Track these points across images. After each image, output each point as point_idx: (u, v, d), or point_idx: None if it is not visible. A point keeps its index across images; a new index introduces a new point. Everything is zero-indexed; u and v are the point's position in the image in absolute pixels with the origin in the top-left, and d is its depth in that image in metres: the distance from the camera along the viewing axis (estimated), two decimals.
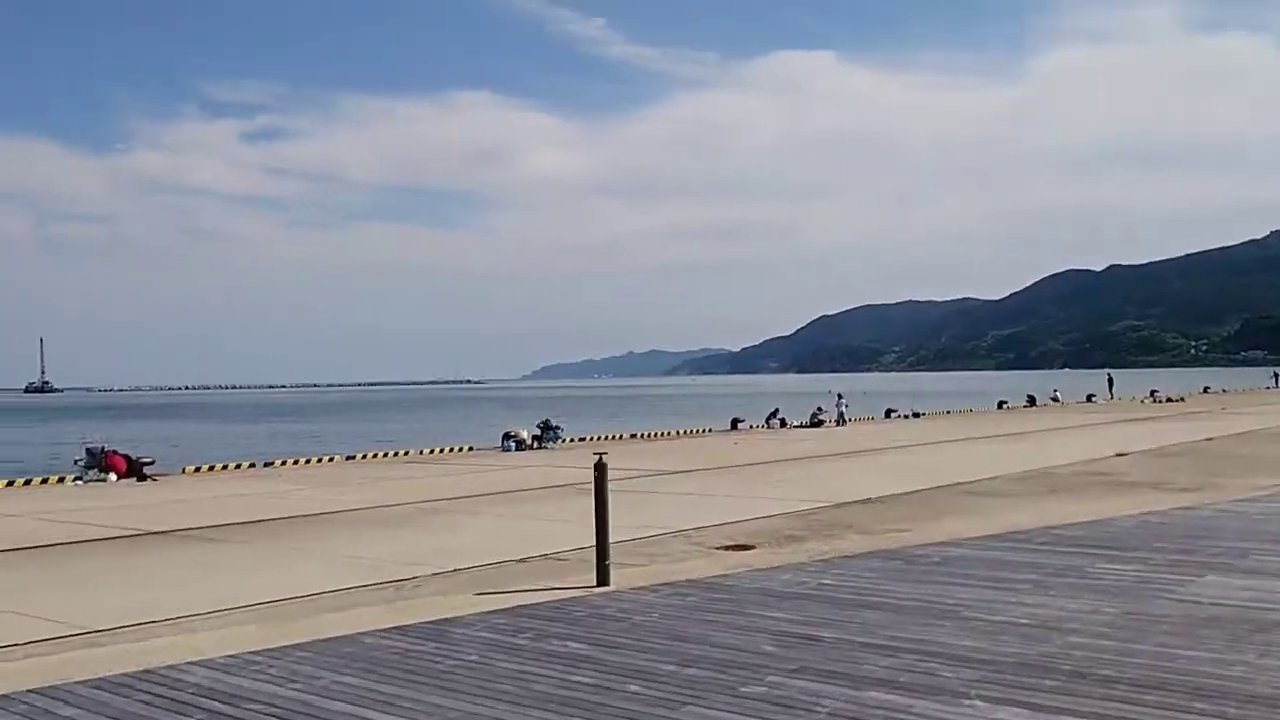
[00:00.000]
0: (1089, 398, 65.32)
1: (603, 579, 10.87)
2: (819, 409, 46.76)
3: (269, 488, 23.69)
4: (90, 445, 26.64)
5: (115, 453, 26.79)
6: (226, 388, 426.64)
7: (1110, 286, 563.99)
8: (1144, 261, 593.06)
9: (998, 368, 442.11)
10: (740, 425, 44.99)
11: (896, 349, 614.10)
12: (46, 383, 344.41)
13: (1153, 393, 65.34)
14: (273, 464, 30.41)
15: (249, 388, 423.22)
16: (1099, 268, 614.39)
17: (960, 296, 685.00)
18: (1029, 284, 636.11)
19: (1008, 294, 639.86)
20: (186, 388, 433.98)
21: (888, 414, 52.36)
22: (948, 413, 55.57)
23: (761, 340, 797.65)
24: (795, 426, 45.62)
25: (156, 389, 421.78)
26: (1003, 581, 10.41)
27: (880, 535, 14.38)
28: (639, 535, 14.79)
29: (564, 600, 10.20)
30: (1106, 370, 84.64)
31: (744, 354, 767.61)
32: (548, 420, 35.33)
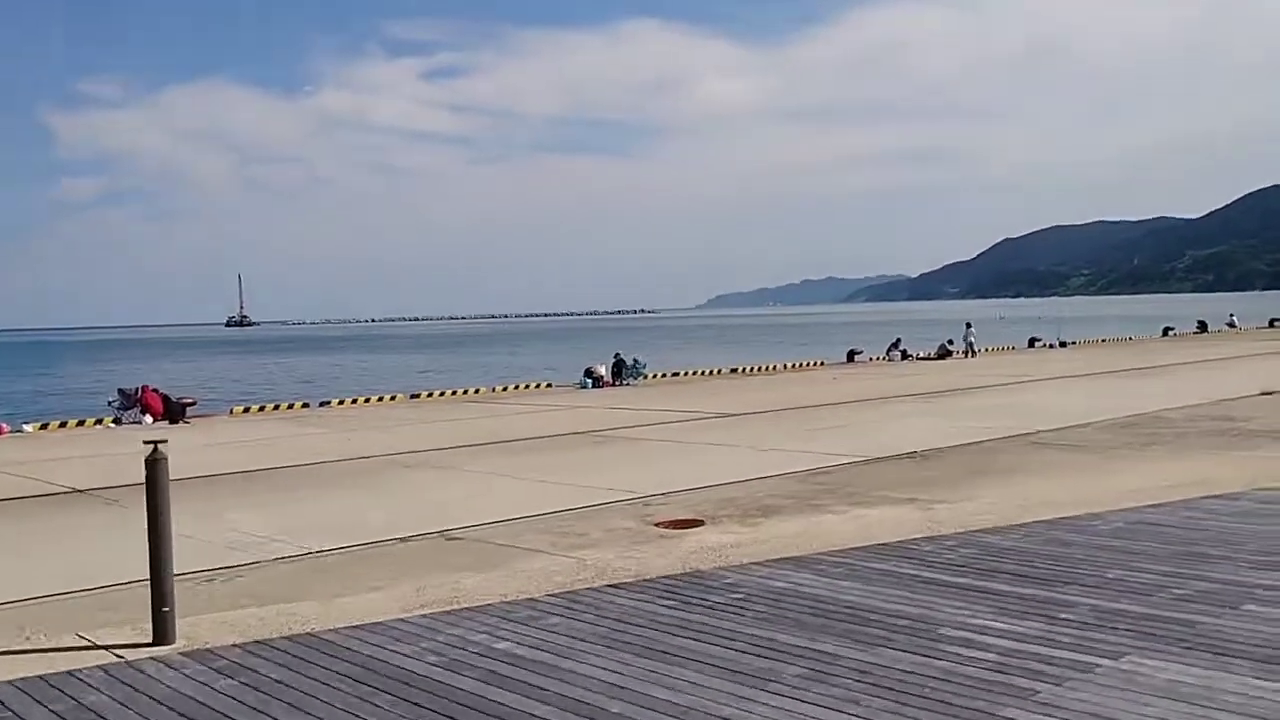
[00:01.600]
0: (1272, 323, 58.84)
1: (160, 635, 6.75)
2: (949, 340, 42.88)
3: (291, 430, 22.19)
4: (124, 387, 25.55)
5: (155, 391, 25.68)
6: (410, 319, 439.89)
7: None
8: None
9: (1195, 290, 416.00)
10: (858, 357, 41.59)
11: (1085, 272, 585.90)
12: (245, 317, 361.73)
13: None
14: (329, 403, 29.02)
15: (431, 319, 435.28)
16: None
17: (1155, 216, 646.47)
18: (1229, 201, 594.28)
19: (1207, 212, 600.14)
20: (372, 320, 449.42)
21: (1031, 343, 47.92)
22: (1102, 341, 50.64)
23: (941, 265, 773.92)
24: (919, 358, 41.93)
25: (344, 321, 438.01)
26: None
27: (861, 508, 11.49)
28: (589, 502, 12.48)
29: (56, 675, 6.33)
30: None
31: (922, 279, 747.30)
32: (619, 355, 32.88)
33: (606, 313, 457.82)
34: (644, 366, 33.09)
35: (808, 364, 40.44)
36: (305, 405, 28.77)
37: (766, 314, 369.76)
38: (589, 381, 31.69)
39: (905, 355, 42.05)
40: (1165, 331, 54.95)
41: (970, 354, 41.92)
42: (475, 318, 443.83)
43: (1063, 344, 46.87)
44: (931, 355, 42.30)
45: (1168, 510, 10.43)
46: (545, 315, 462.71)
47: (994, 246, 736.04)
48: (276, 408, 28.21)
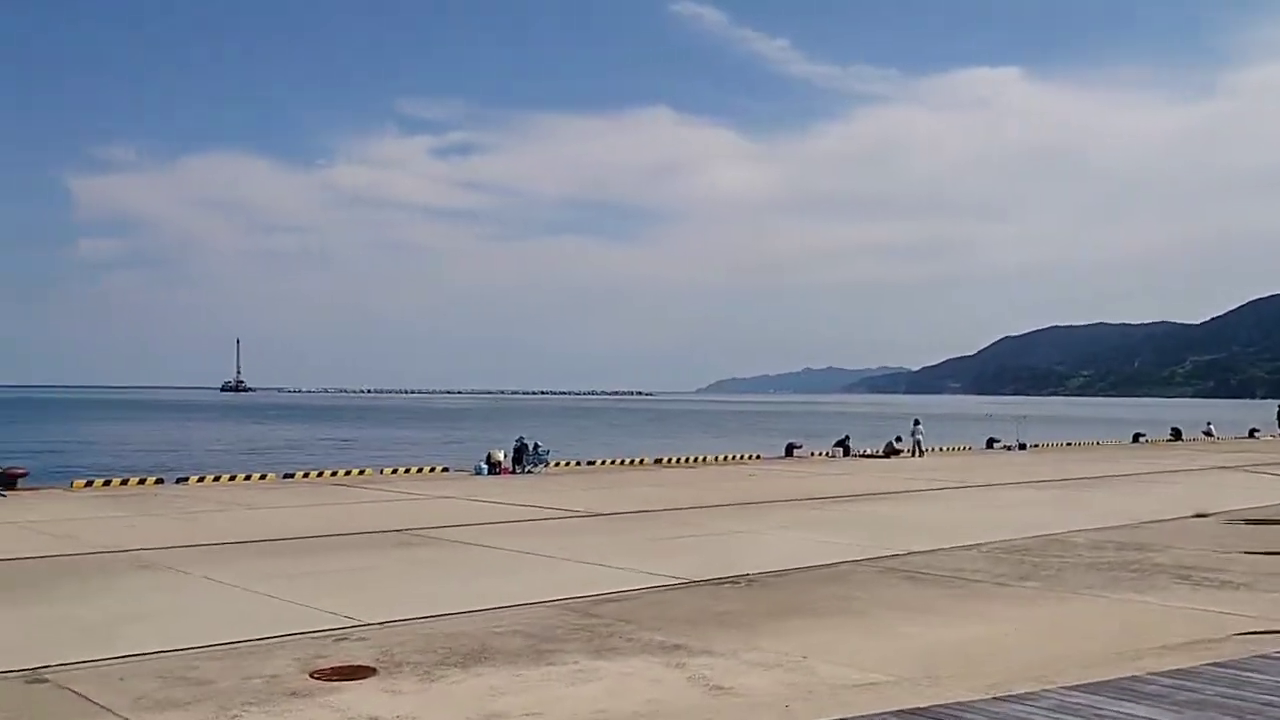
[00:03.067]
0: (1251, 433, 56.11)
1: None
2: (896, 438, 40.21)
3: (95, 512, 19.55)
4: None
5: None
6: (408, 392, 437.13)
7: None
8: None
9: (1196, 395, 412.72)
10: (797, 451, 38.90)
11: (1085, 373, 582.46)
12: (241, 382, 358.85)
13: None
14: (186, 479, 26.42)
15: (427, 392, 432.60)
16: None
17: (1156, 320, 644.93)
18: (1230, 308, 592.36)
19: (1209, 318, 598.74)
20: (368, 390, 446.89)
21: (989, 444, 45.22)
22: (1066, 445, 47.93)
23: (942, 360, 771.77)
24: (863, 455, 39.24)
25: (341, 391, 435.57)
26: None
27: (606, 659, 8.88)
28: (276, 631, 9.91)
29: None
30: (1278, 402, 73.76)
31: (923, 373, 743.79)
32: (522, 439, 30.30)
33: (605, 393, 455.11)
34: (547, 453, 30.49)
35: (740, 457, 37.74)
36: (160, 480, 26.12)
37: (762, 400, 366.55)
38: (485, 468, 29.05)
39: (848, 452, 39.36)
40: (1135, 438, 52.21)
41: (917, 453, 39.23)
42: (472, 392, 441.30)
43: (1022, 446, 44.16)
44: (878, 453, 39.63)
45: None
46: (542, 393, 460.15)
47: (996, 343, 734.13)
48: (125, 482, 25.55)
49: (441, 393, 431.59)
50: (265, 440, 70.52)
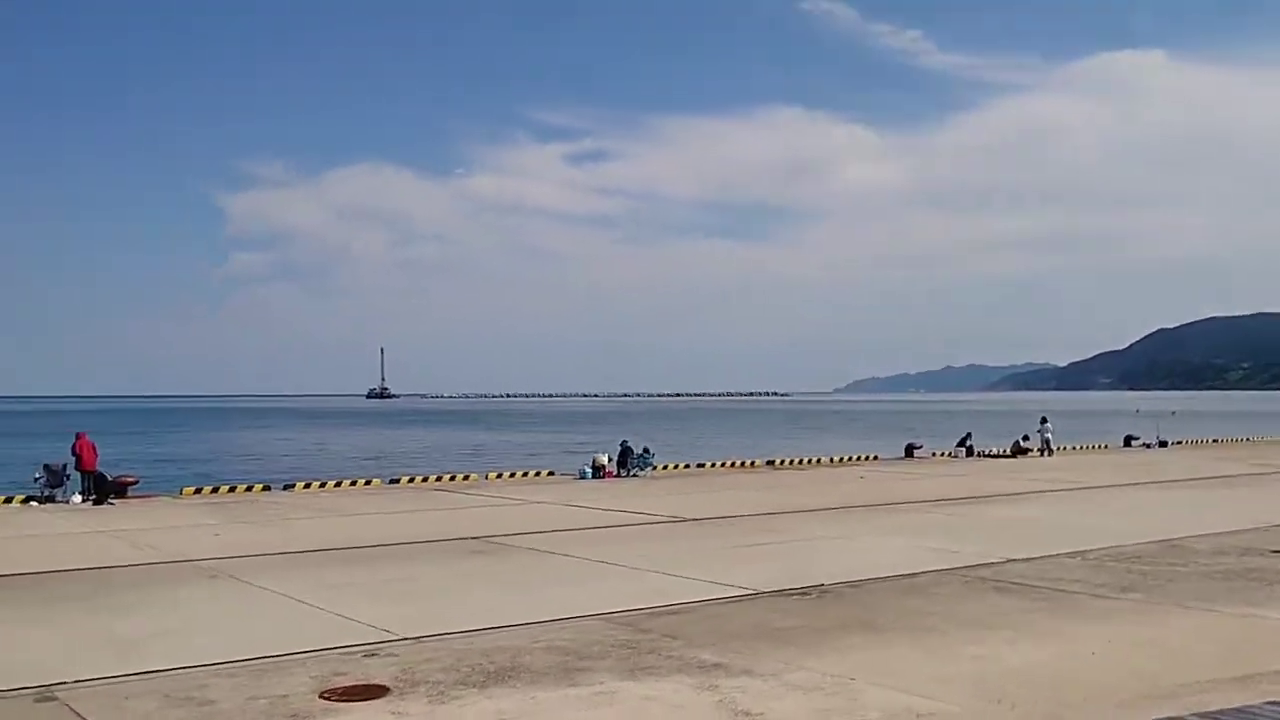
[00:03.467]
0: None
1: None
2: (1024, 436, 38.45)
3: (195, 520, 19.76)
4: (51, 463, 23.61)
5: (87, 470, 23.68)
6: (545, 395, 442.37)
7: None
8: None
9: None
10: (917, 451, 37.50)
11: (1245, 365, 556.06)
12: (385, 389, 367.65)
13: None
14: (293, 487, 26.72)
15: (565, 396, 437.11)
16: None
17: None
18: None
19: None
20: (508, 395, 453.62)
21: (1127, 442, 42.94)
22: (1212, 442, 45.22)
23: (1091, 355, 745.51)
24: (988, 455, 37.60)
25: (482, 396, 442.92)
26: None
27: (639, 681, 8.27)
28: (306, 646, 9.56)
29: None
30: None
31: (1071, 369, 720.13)
32: (626, 443, 29.78)
33: (740, 394, 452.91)
34: (652, 457, 29.90)
35: (856, 458, 36.56)
36: (267, 488, 26.46)
37: (899, 399, 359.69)
38: (589, 471, 28.67)
39: (971, 452, 37.77)
40: None
41: (1046, 452, 37.40)
42: (608, 395, 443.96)
43: (1163, 444, 41.76)
44: (1004, 452, 37.94)
45: None
46: (677, 395, 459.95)
47: (1148, 336, 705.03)
48: (233, 489, 25.93)
49: (577, 396, 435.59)
50: (398, 446, 71.80)
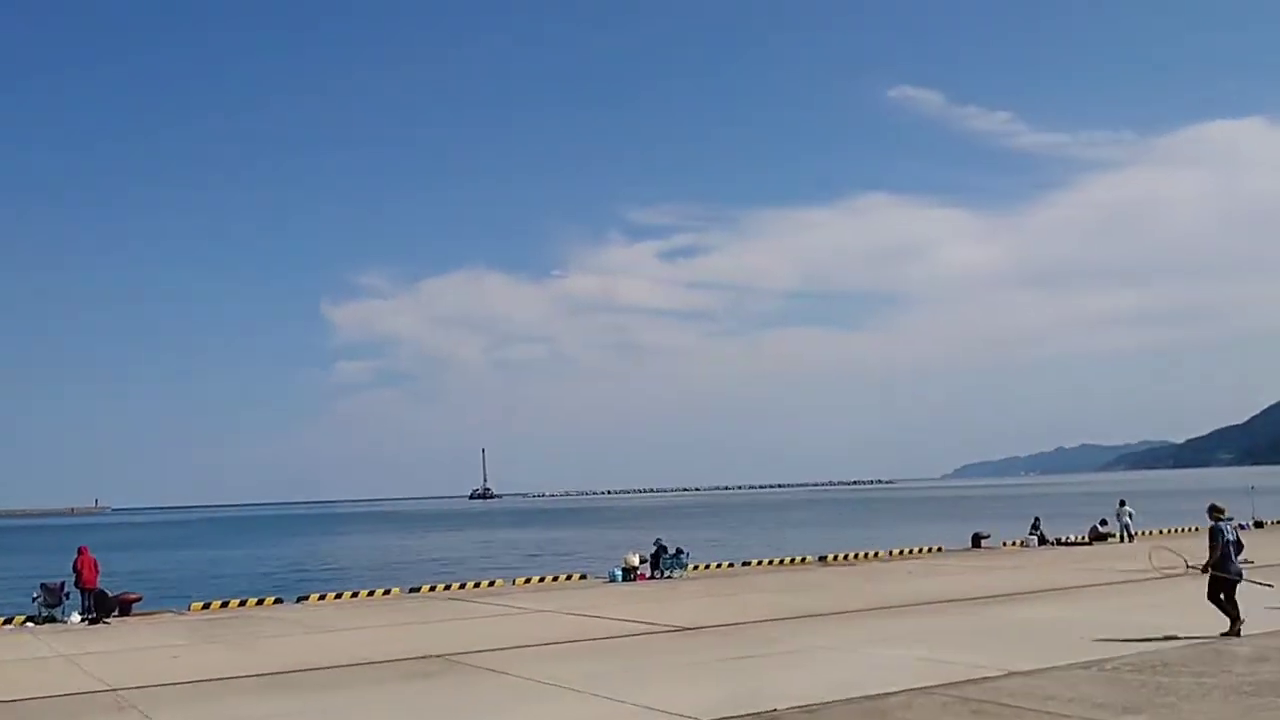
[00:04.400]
0: None
1: None
2: (1101, 521, 35.92)
3: (169, 641, 18.76)
4: (48, 581, 22.94)
5: (88, 590, 22.97)
6: (644, 491, 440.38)
7: None
8: None
9: None
10: (985, 541, 35.17)
11: None
12: (488, 489, 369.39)
13: None
14: (307, 599, 25.71)
15: (662, 491, 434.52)
16: None
17: None
18: None
19: None
20: (609, 492, 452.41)
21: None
22: None
23: (1210, 430, 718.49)
24: (1064, 543, 35.09)
25: (583, 494, 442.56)
26: None
27: None
28: None
29: None
30: None
31: (1189, 446, 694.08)
32: (660, 542, 28.20)
33: (843, 484, 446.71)
34: (687, 557, 28.23)
35: (916, 551, 34.34)
36: (279, 600, 25.49)
37: (1006, 484, 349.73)
38: (619, 574, 27.18)
39: (1044, 540, 35.27)
40: None
41: (1126, 537, 34.75)
42: (709, 489, 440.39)
43: (1259, 524, 38.65)
44: (1081, 539, 35.37)
45: None
46: (779, 486, 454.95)
47: (1269, 409, 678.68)
48: (243, 603, 25.00)
49: (675, 490, 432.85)
50: (473, 548, 70.90)
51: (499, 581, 28.11)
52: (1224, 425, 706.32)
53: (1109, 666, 12.48)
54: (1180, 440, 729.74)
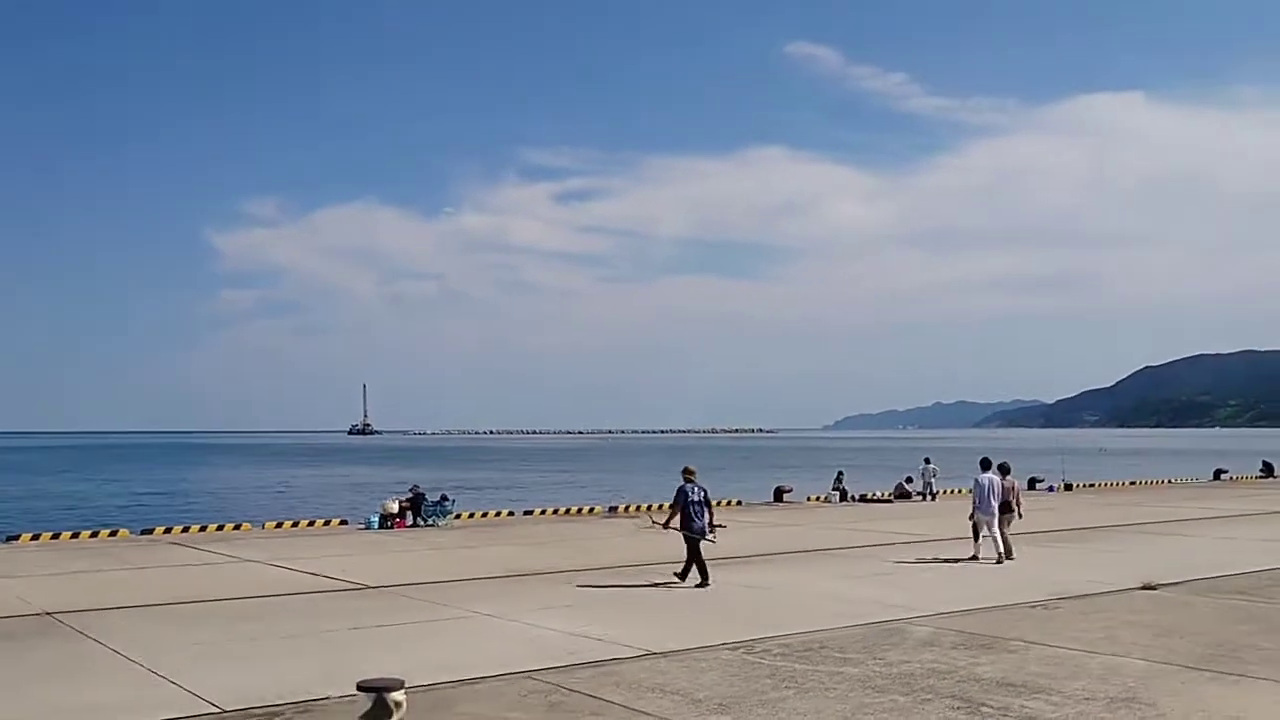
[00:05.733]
0: None
1: None
2: (907, 478, 35.25)
3: None
4: None
5: None
6: (526, 433, 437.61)
7: None
8: None
9: None
10: (787, 495, 34.24)
11: (1233, 402, 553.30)
12: (368, 425, 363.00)
13: None
14: (17, 538, 23.35)
15: (544, 433, 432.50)
16: None
17: None
18: None
19: None
20: (490, 432, 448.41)
21: (1031, 484, 39.64)
22: (1130, 484, 41.99)
23: (1078, 392, 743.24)
24: (869, 499, 34.34)
25: (463, 433, 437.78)
26: None
27: None
28: None
29: None
30: None
31: (1059, 406, 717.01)
32: (417, 488, 26.44)
33: (725, 431, 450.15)
34: (451, 504, 26.47)
35: (718, 503, 33.12)
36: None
37: (885, 436, 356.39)
38: (375, 521, 25.36)
39: (845, 496, 34.45)
40: (1217, 475, 45.72)
41: (929, 495, 34.13)
42: (592, 432, 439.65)
43: (1068, 487, 38.50)
44: (885, 496, 34.66)
45: None
46: (660, 432, 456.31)
47: (1135, 374, 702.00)
48: (75, 535, 22.99)
49: (559, 433, 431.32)
50: (319, 481, 68.37)
51: (246, 525, 26.01)
52: (1092, 388, 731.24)
53: (758, 649, 11.11)
54: (1051, 401, 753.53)
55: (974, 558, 18.14)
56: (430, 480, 73.87)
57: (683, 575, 15.73)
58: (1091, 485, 41.11)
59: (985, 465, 18.88)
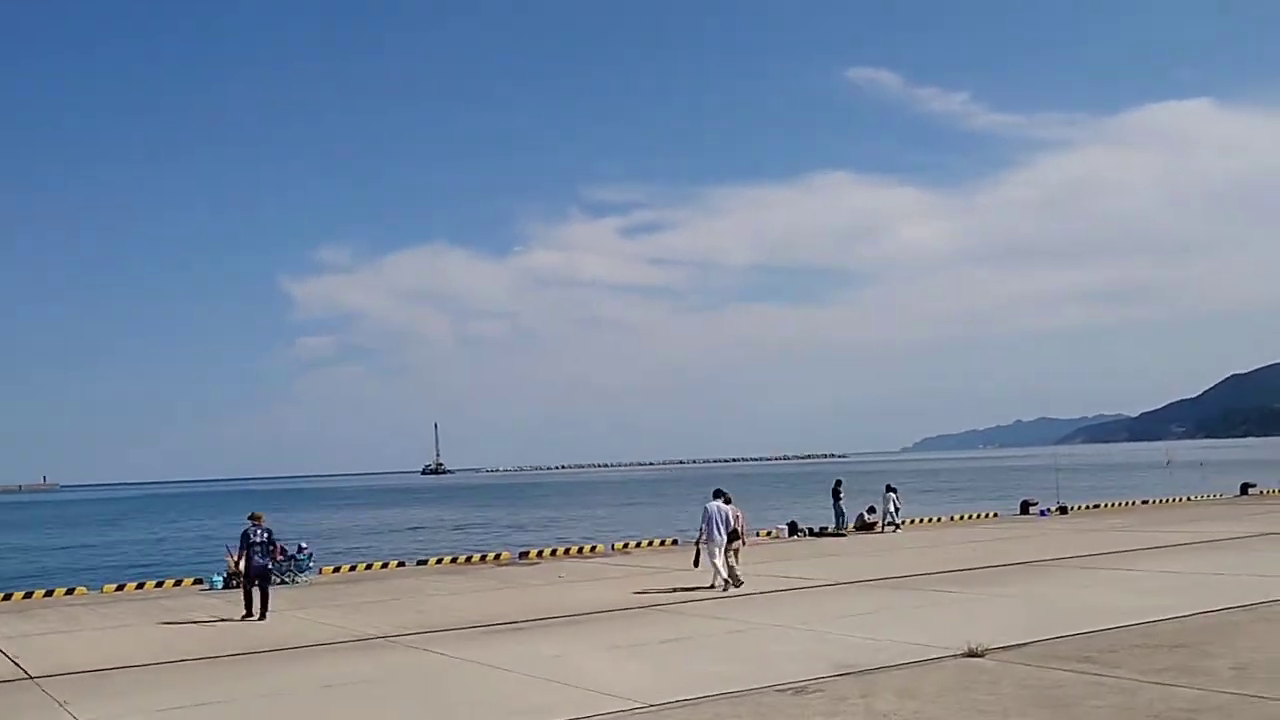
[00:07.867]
0: None
1: None
2: (869, 508, 31.74)
3: None
4: None
5: None
6: (599, 466, 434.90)
7: None
8: None
9: None
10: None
11: None
12: (440, 464, 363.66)
13: None
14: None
15: (618, 465, 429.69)
16: None
17: None
18: None
19: None
20: (562, 467, 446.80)
21: (1024, 508, 35.82)
22: (1142, 504, 37.91)
23: (1164, 404, 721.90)
24: (818, 534, 30.85)
25: (536, 469, 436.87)
26: None
27: None
28: None
29: None
30: None
31: (1143, 419, 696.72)
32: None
33: (796, 457, 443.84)
34: (307, 559, 23.50)
35: (644, 544, 29.98)
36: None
37: (960, 457, 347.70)
38: (219, 580, 22.57)
39: (794, 529, 30.93)
40: (1244, 489, 41.30)
41: (889, 526, 30.54)
42: (662, 463, 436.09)
43: (1063, 510, 34.56)
44: (842, 530, 31.08)
45: None
46: (731, 460, 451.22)
47: (1221, 383, 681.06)
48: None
49: (631, 465, 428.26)
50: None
51: (80, 590, 23.40)
52: (1177, 399, 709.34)
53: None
54: (1135, 414, 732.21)
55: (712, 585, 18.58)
56: (454, 519, 71.52)
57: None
58: (1097, 506, 37.06)
59: (717, 494, 19.68)
